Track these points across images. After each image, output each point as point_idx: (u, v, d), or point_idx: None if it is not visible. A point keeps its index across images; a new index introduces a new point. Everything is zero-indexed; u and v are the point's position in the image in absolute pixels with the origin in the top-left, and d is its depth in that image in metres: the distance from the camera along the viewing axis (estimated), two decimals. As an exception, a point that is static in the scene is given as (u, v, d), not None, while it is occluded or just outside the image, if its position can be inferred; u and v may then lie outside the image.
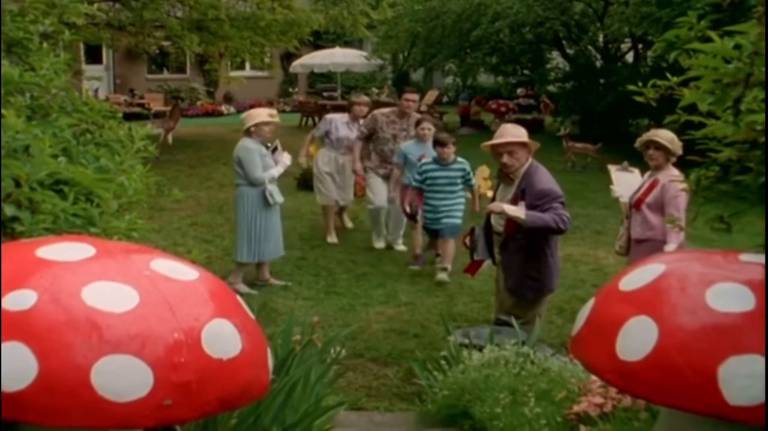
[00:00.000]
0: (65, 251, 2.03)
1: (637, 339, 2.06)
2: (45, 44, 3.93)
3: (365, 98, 9.36)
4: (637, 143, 5.58)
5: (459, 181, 7.71)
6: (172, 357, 1.86)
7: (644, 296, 2.15)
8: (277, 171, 7.13)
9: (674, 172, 5.36)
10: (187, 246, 8.73)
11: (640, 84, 2.92)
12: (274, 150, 7.27)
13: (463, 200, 7.85)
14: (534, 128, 15.78)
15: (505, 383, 3.85)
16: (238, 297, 2.23)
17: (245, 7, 16.61)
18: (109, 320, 1.85)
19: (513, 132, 5.39)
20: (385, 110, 8.76)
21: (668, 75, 2.87)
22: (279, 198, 7.10)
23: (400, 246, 8.86)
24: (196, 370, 1.89)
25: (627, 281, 2.24)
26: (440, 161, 7.61)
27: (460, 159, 7.71)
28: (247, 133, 7.04)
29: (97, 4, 16.57)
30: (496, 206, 5.32)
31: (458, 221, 7.72)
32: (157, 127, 15.32)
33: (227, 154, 16.46)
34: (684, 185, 5.34)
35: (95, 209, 2.78)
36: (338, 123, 8.97)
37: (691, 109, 2.79)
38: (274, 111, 7.62)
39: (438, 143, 7.62)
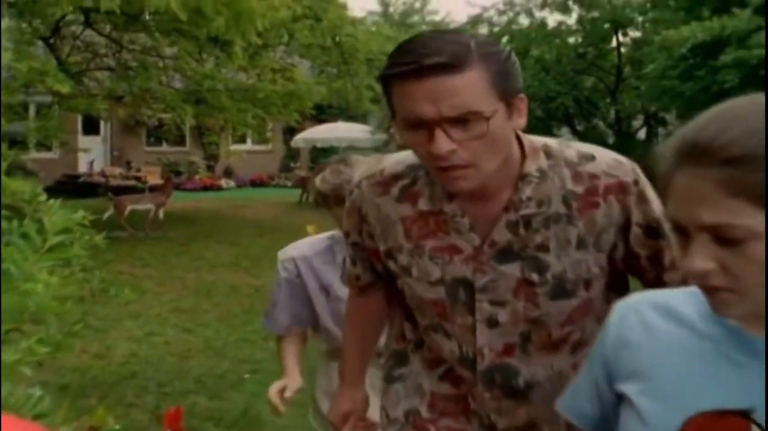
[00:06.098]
0: None
1: None
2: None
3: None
4: None
5: None
6: None
7: None
8: None
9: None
10: (165, 336, 7.80)
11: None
12: None
13: None
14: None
15: None
16: None
17: (246, 78, 16.01)
18: None
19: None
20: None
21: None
22: None
23: None
24: None
25: None
26: None
27: None
28: None
29: (92, 73, 16.03)
30: None
31: None
32: (147, 202, 14.62)
33: (222, 231, 15.76)
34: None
35: (-36, 342, 1.89)
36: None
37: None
38: None
39: None
